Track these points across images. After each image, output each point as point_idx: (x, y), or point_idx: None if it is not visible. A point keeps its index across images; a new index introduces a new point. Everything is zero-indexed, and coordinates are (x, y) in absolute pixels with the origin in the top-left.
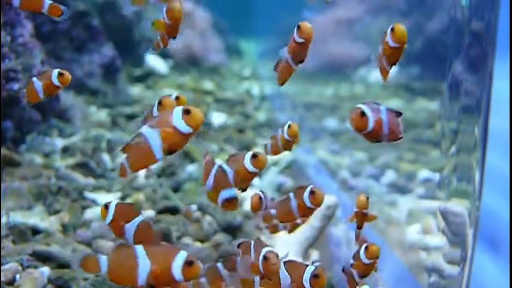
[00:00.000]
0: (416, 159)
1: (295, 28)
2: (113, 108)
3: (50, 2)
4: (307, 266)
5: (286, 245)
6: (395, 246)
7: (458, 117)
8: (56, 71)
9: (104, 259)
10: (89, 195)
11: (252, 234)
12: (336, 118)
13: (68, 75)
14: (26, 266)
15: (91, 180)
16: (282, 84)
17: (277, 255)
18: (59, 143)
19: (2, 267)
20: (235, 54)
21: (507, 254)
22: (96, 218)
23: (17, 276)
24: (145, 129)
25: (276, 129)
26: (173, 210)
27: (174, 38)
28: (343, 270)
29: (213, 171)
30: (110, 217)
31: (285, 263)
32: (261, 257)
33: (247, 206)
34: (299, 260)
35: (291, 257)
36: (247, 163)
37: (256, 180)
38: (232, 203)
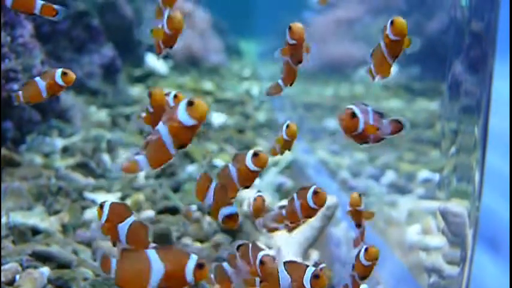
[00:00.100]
0: (416, 160)
1: (287, 29)
2: (113, 109)
3: (43, 2)
4: (307, 266)
5: (285, 245)
6: (395, 246)
7: (458, 118)
8: (59, 71)
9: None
10: (89, 195)
11: (252, 235)
12: (336, 118)
13: (71, 75)
14: (25, 266)
15: (91, 181)
16: (290, 85)
17: (273, 259)
18: (59, 143)
19: (2, 268)
20: (235, 55)
21: (507, 254)
22: (96, 218)
23: (17, 276)
24: (160, 125)
25: (276, 130)
26: (173, 211)
27: (171, 47)
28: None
29: (211, 189)
30: (104, 217)
31: (285, 263)
32: (257, 261)
33: (246, 206)
34: (299, 260)
35: (290, 257)
36: (249, 162)
37: (256, 181)
38: (232, 219)
